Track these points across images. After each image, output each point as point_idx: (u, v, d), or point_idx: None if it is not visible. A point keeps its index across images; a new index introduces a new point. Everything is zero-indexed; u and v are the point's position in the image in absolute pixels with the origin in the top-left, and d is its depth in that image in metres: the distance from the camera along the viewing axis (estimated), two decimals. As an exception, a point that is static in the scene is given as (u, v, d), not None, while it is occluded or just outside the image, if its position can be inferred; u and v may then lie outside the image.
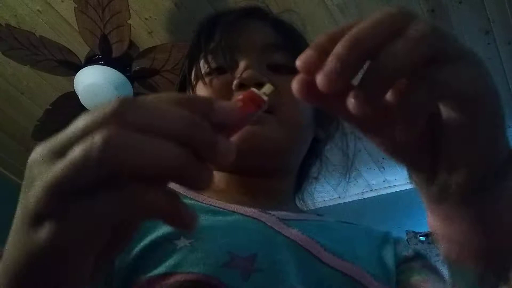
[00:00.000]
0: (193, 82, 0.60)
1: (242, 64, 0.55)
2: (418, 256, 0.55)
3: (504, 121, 0.27)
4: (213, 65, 0.58)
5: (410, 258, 0.54)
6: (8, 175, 2.58)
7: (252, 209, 0.50)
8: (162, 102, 0.24)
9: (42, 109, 1.99)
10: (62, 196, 0.22)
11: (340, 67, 0.23)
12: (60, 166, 0.22)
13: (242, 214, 0.49)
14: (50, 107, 1.93)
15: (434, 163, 0.28)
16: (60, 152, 0.22)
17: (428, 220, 0.32)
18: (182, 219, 0.23)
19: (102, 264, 0.27)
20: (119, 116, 0.22)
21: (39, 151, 0.23)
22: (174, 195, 0.23)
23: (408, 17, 0.25)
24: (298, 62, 0.25)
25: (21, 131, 2.34)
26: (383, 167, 2.46)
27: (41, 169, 0.23)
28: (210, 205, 0.50)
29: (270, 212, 0.51)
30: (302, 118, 0.57)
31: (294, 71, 0.57)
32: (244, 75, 0.53)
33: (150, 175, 0.22)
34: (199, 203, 0.50)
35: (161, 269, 0.40)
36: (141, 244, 0.43)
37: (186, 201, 0.50)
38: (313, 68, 0.24)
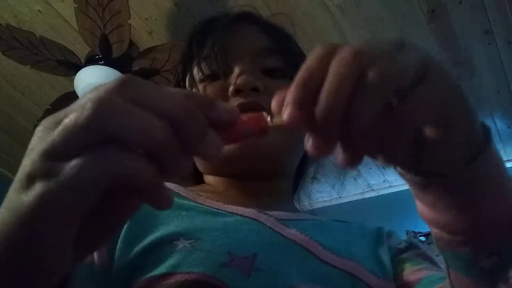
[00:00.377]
0: (187, 89, 0.60)
1: (236, 70, 0.55)
2: (410, 246, 0.56)
3: (473, 113, 0.29)
4: (207, 71, 0.58)
5: (402, 250, 0.55)
6: (8, 175, 2.59)
7: (250, 209, 0.50)
8: (165, 88, 0.26)
9: (42, 109, 2.00)
10: (53, 158, 0.23)
11: (331, 136, 0.26)
12: (55, 132, 0.23)
13: (241, 215, 0.50)
14: (50, 107, 1.93)
15: (417, 158, 0.30)
16: (59, 122, 0.24)
17: (418, 209, 0.34)
18: (157, 195, 0.24)
19: (90, 247, 0.28)
20: (118, 88, 0.24)
21: (43, 122, 0.25)
22: (157, 172, 0.24)
23: (363, 59, 0.25)
24: (285, 118, 0.26)
25: (21, 131, 2.34)
26: (383, 167, 2.46)
27: (41, 137, 0.24)
28: (209, 206, 0.50)
29: (268, 212, 0.51)
30: None
31: (287, 75, 0.58)
32: (239, 80, 0.53)
33: (135, 145, 0.23)
34: (198, 204, 0.50)
35: (161, 269, 0.40)
36: (141, 244, 0.43)
37: (185, 202, 0.50)
38: (301, 125, 0.26)
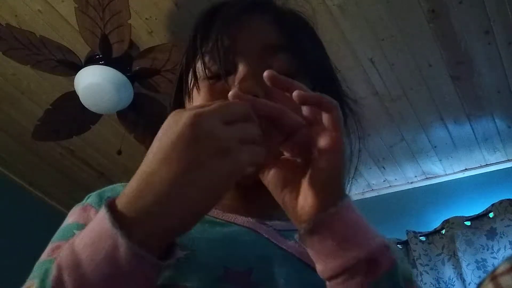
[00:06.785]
0: (190, 85, 0.56)
1: (240, 72, 0.51)
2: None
3: (343, 176, 0.41)
4: (212, 69, 0.53)
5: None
6: (8, 175, 2.58)
7: (249, 219, 0.49)
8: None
9: (42, 109, 2.00)
10: None
11: None
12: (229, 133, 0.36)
13: (239, 225, 0.48)
14: (50, 107, 1.93)
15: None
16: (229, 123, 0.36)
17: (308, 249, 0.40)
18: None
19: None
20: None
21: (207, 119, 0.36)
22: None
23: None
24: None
25: (21, 131, 2.34)
26: (383, 167, 2.46)
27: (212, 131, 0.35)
28: (207, 215, 0.48)
29: (267, 223, 0.50)
30: None
31: (293, 76, 0.54)
32: (242, 85, 0.49)
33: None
34: None
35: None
36: None
37: None
38: None
